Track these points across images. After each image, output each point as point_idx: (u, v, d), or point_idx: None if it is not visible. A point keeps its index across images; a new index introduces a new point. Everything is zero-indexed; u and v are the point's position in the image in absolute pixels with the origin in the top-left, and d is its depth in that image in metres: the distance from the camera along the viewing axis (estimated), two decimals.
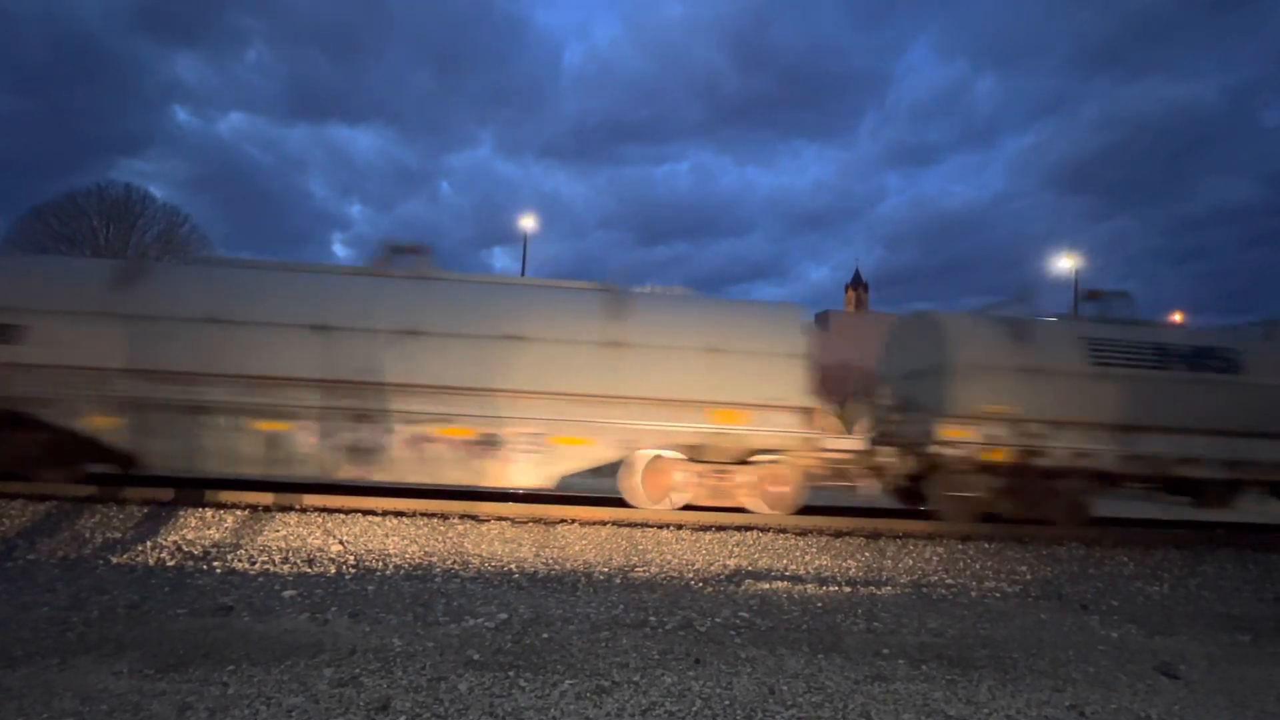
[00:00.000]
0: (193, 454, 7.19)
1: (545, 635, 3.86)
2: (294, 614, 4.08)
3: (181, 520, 6.54)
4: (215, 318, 7.24)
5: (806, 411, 7.69)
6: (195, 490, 7.43)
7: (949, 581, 5.94)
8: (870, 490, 8.26)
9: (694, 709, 2.96)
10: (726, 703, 3.03)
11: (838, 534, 7.49)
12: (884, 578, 5.96)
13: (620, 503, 7.93)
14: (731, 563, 6.17)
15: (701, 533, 7.18)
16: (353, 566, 5.43)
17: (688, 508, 7.80)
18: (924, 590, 5.59)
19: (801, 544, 6.95)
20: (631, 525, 7.39)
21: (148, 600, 4.23)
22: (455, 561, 5.75)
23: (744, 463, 7.80)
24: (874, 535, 7.52)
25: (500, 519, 7.30)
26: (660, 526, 7.41)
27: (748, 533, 7.25)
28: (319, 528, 6.57)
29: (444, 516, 7.25)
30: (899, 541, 7.32)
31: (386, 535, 6.45)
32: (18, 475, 7.19)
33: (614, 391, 7.45)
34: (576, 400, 7.41)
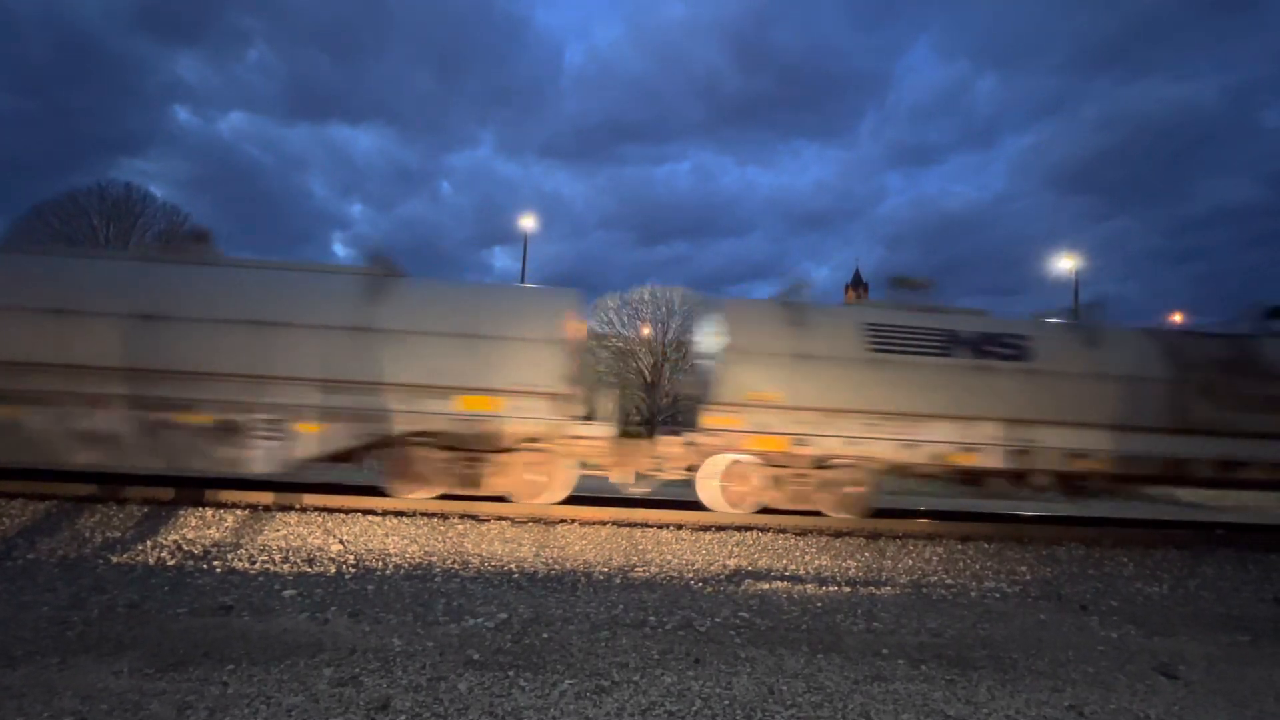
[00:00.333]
0: None
1: (545, 635, 3.87)
2: (294, 613, 4.08)
3: (181, 520, 6.56)
4: None
5: (565, 398, 7.45)
6: (195, 490, 7.44)
7: (949, 581, 5.94)
8: (619, 480, 7.91)
9: (694, 709, 2.96)
10: (726, 702, 3.03)
11: (837, 534, 7.50)
12: (884, 578, 5.97)
13: (621, 503, 7.92)
14: (731, 563, 6.17)
15: (701, 533, 7.19)
16: (353, 566, 5.43)
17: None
18: (923, 590, 5.59)
19: (801, 544, 6.96)
20: (631, 525, 7.40)
21: (148, 599, 4.24)
22: (455, 561, 5.75)
23: (504, 450, 7.55)
24: (874, 535, 7.52)
25: (500, 519, 7.31)
26: (660, 526, 7.42)
27: (747, 533, 7.26)
28: (319, 527, 6.58)
29: (444, 516, 7.25)
30: (899, 542, 7.33)
31: (386, 535, 6.46)
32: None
33: (361, 376, 7.23)
34: (323, 386, 7.22)
